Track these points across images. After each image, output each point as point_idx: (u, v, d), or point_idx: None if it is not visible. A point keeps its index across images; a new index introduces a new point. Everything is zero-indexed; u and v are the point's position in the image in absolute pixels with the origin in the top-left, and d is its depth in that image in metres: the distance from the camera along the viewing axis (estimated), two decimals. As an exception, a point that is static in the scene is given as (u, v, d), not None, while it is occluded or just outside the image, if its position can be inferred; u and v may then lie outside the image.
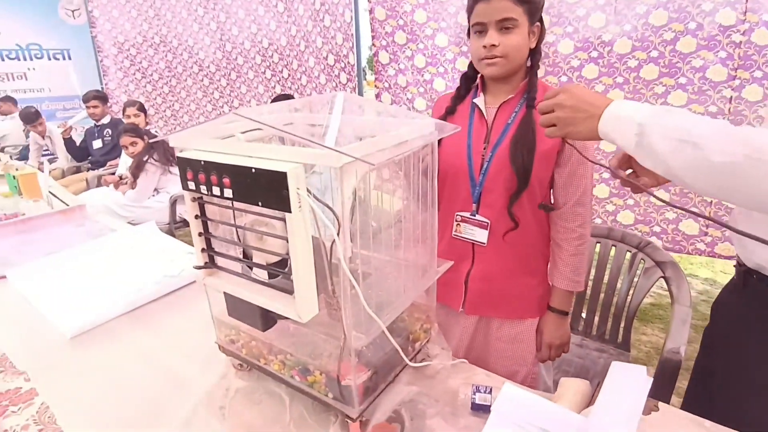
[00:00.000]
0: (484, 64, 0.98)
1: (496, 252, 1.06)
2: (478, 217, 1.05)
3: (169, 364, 0.96)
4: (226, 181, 0.65)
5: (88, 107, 3.78)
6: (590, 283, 1.51)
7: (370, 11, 2.32)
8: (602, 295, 1.49)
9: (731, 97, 1.81)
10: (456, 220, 1.08)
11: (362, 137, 0.80)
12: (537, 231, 1.06)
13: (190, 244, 1.75)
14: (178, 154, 0.73)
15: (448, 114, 1.09)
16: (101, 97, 3.83)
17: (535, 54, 1.01)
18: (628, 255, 1.43)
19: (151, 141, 1.89)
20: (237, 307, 0.77)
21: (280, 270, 0.69)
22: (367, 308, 0.63)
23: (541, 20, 0.99)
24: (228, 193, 0.66)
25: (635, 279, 1.42)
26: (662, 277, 1.34)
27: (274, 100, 2.56)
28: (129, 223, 2.07)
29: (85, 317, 1.08)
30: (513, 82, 1.03)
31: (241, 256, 0.77)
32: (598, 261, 1.51)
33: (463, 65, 2.25)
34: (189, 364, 0.96)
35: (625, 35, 1.91)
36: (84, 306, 1.13)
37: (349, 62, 2.72)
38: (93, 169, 3.86)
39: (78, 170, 4.06)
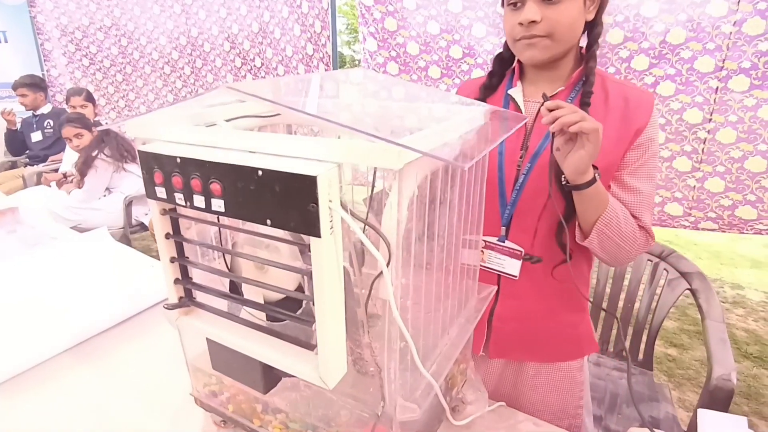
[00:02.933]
0: (522, 45, 0.74)
1: (530, 287, 0.84)
2: (508, 243, 0.83)
3: (130, 417, 0.75)
4: (215, 187, 0.45)
5: (17, 95, 3.28)
6: (606, 295, 1.39)
7: None
8: (620, 308, 1.37)
9: None
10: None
11: (395, 128, 0.62)
12: (585, 258, 0.84)
13: (147, 251, 1.52)
14: (140, 147, 0.51)
15: None
16: (31, 84, 3.27)
17: (593, 28, 0.75)
18: (650, 265, 1.32)
19: (98, 129, 1.59)
20: (226, 359, 0.57)
21: (288, 314, 0.50)
22: (423, 371, 0.45)
23: None
24: (218, 204, 0.45)
25: (657, 291, 1.30)
26: (688, 289, 1.23)
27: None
28: (74, 228, 1.77)
29: (11, 360, 0.83)
30: (562, 68, 0.78)
31: (228, 290, 0.57)
32: (616, 271, 1.39)
33: (457, 53, 2.08)
34: (155, 417, 0.74)
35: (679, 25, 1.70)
36: (11, 342, 0.88)
37: (327, 52, 2.50)
38: (31, 165, 3.41)
39: (13, 165, 3.59)
